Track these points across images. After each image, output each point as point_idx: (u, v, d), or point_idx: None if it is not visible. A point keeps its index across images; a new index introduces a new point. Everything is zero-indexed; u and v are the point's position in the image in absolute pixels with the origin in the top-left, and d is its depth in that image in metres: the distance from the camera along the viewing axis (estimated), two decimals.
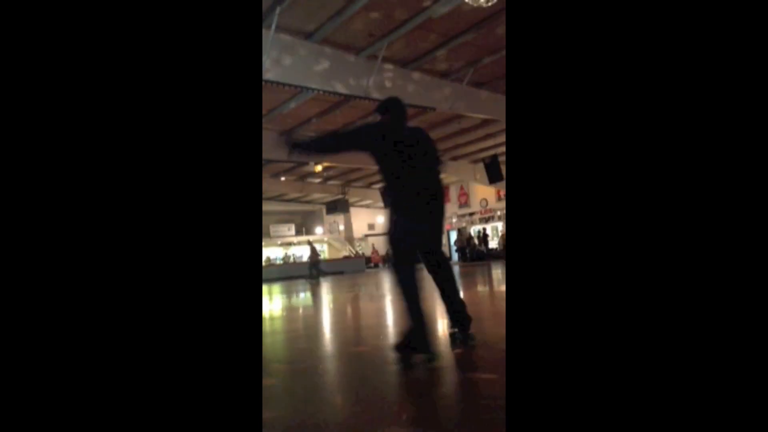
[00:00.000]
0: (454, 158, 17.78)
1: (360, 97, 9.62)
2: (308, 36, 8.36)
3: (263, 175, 18.54)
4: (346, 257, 21.61)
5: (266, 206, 22.52)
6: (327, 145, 2.73)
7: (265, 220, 23.12)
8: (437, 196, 2.53)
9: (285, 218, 24.91)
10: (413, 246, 2.45)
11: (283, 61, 8.16)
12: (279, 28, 7.76)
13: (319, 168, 16.61)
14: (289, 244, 24.63)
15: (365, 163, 14.47)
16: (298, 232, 25.36)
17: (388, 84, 9.60)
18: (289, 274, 18.43)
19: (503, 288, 6.40)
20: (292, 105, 10.70)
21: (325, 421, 1.51)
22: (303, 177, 20.11)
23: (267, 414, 1.51)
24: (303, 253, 23.84)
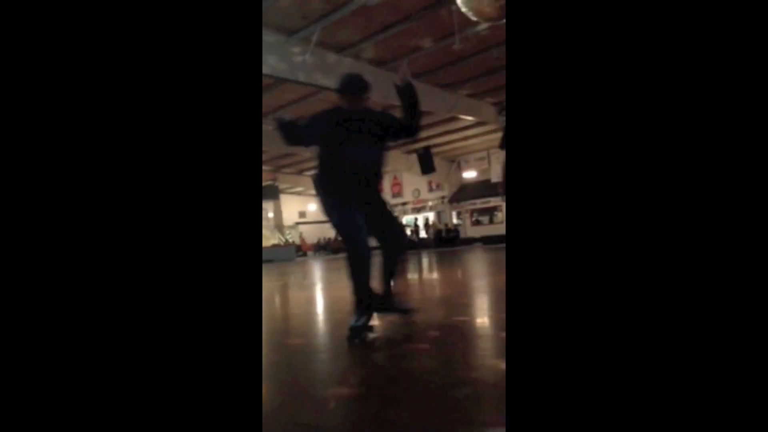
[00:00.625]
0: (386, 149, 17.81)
1: (290, 81, 9.29)
2: None
3: None
4: (275, 245, 21.08)
5: None
6: (296, 135, 2.52)
7: None
8: (369, 180, 2.45)
9: None
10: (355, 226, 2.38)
11: None
12: None
13: None
14: None
15: (296, 149, 14.05)
16: None
17: (318, 69, 9.32)
18: None
19: (434, 275, 6.50)
20: None
21: None
22: None
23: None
24: None
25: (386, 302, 2.55)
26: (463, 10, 4.67)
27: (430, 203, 22.28)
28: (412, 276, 6.56)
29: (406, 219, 22.17)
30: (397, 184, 22.89)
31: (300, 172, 21.27)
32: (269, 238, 23.63)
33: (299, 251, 21.84)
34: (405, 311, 2.61)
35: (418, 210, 22.51)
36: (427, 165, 16.10)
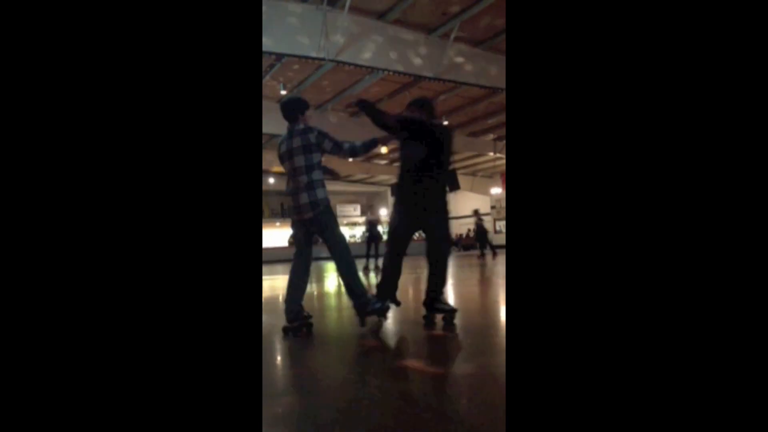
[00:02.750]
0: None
1: (430, 78, 9.49)
2: (381, 16, 8.32)
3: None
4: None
5: (333, 186, 22.96)
6: (385, 123, 2.77)
7: (332, 199, 23.58)
8: (432, 186, 2.77)
9: (351, 199, 25.33)
10: (403, 233, 2.84)
11: (355, 41, 8.19)
12: (352, 9, 7.77)
13: (385, 150, 16.63)
14: (354, 224, 25.08)
15: None
16: (364, 213, 25.74)
17: (459, 63, 9.37)
18: (354, 253, 18.79)
19: None
20: (362, 86, 10.76)
21: None
22: (369, 158, 20.29)
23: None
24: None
25: (429, 302, 2.81)
26: None
27: None
28: None
29: None
30: None
31: None
32: None
33: None
34: (447, 311, 2.77)
35: None
36: None
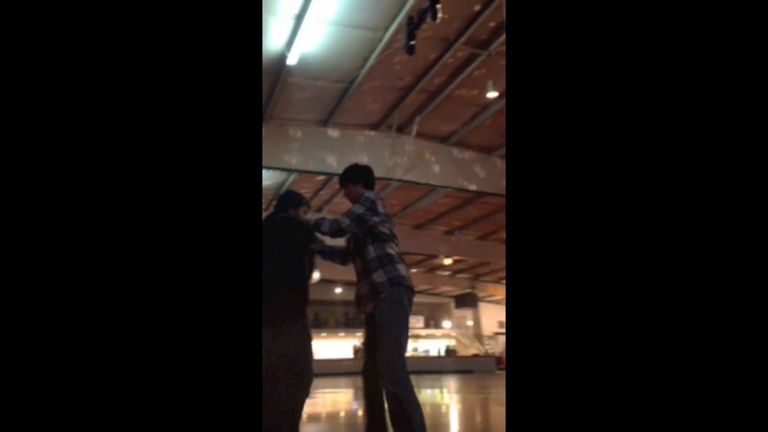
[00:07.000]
0: None
1: (491, 194, 9.93)
2: (444, 140, 9.10)
3: None
4: (474, 355, 20.73)
5: None
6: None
7: None
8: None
9: (414, 310, 24.93)
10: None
11: (422, 162, 8.93)
12: (418, 134, 8.62)
13: (448, 261, 16.83)
14: (417, 336, 24.51)
15: (494, 257, 14.42)
16: (427, 325, 25.19)
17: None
18: (417, 368, 18.18)
19: None
20: (426, 201, 11.37)
21: None
22: (432, 269, 20.41)
23: None
24: (431, 347, 23.44)
25: None
26: None
27: None
28: None
29: None
30: None
31: (499, 281, 21.23)
32: (469, 348, 23.38)
33: (500, 364, 20.95)
34: None
35: None
36: None
